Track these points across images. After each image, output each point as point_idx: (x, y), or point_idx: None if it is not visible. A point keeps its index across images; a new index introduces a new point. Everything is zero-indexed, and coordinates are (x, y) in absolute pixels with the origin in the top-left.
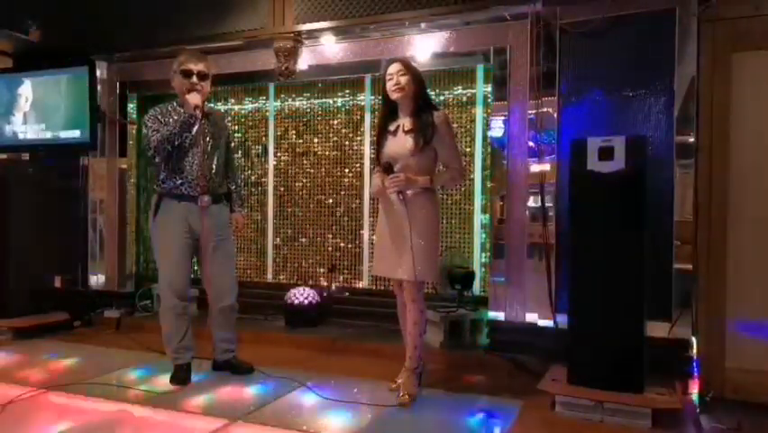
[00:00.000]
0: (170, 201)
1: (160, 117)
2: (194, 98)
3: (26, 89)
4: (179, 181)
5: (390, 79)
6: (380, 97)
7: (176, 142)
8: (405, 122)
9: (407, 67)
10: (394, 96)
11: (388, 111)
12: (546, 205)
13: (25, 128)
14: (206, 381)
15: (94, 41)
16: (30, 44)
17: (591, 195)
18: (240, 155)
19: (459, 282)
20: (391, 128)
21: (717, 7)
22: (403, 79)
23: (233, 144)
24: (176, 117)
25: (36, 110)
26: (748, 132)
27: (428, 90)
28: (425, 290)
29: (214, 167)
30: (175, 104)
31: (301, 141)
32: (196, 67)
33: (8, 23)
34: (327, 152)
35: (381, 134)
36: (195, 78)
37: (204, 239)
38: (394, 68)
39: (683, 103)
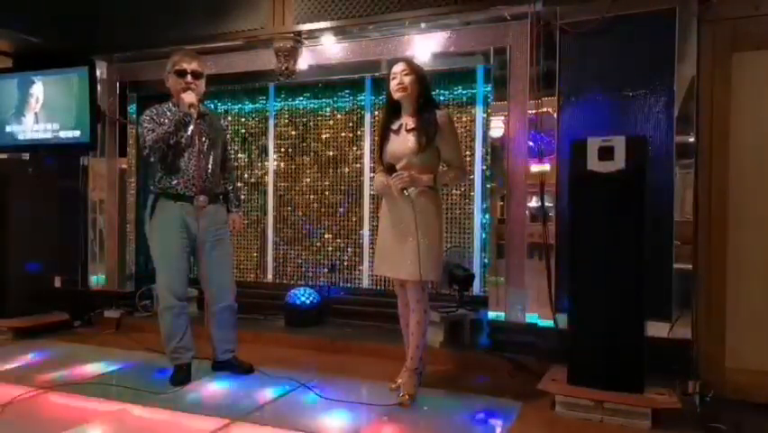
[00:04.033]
0: (167, 201)
1: (155, 117)
2: (188, 97)
3: (36, 89)
4: (175, 181)
5: (394, 78)
6: (381, 97)
7: (171, 142)
8: (407, 121)
9: (411, 67)
10: (397, 95)
11: (391, 110)
12: (546, 205)
13: (34, 127)
14: (206, 381)
15: (94, 41)
16: (30, 44)
17: (591, 195)
18: (240, 155)
19: (458, 283)
20: (394, 127)
21: (717, 7)
22: (406, 79)
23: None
24: (170, 117)
25: (39, 110)
26: (748, 132)
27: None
28: (428, 289)
29: (210, 167)
30: (170, 104)
31: (301, 141)
32: (190, 66)
33: (8, 22)
34: (327, 152)
35: (384, 133)
36: (189, 77)
37: (201, 239)
38: (398, 67)
39: (683, 103)
